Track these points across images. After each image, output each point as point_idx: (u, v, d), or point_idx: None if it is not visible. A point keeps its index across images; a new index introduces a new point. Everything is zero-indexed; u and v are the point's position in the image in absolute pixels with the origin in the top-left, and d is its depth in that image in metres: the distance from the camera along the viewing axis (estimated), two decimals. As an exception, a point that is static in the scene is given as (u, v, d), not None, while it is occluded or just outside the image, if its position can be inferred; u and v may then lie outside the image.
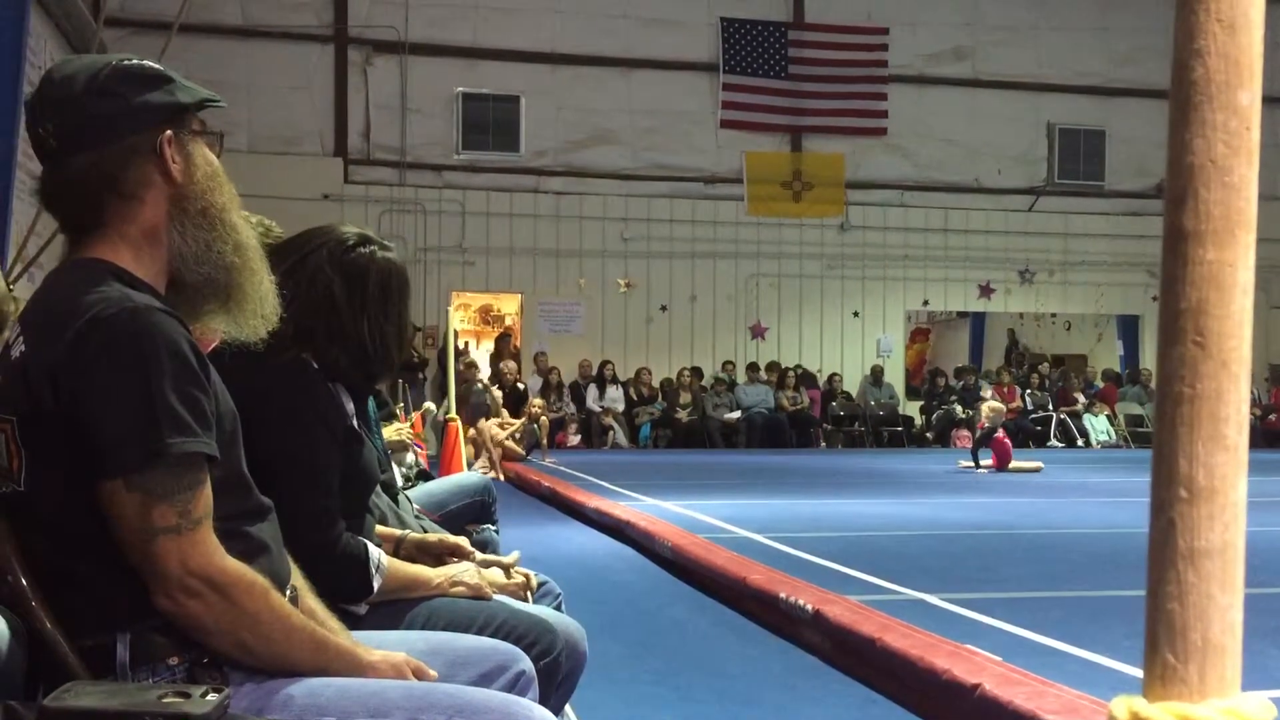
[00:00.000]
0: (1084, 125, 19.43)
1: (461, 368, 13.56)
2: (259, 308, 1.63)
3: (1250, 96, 0.62)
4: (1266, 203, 19.01)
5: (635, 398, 17.63)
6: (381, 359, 2.14)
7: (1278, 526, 7.05)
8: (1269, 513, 7.72)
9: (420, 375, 16.20)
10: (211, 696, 1.20)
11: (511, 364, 15.61)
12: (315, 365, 2.07)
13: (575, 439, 17.03)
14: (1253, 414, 18.22)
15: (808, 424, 18.18)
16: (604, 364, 17.69)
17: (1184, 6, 0.62)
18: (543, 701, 1.78)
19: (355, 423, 2.11)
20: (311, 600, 1.71)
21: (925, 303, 19.70)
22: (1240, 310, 0.61)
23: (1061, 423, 18.69)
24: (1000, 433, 12.40)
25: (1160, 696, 0.61)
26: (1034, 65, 19.35)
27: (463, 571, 2.14)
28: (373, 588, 1.99)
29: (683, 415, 17.48)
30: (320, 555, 1.88)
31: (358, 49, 17.62)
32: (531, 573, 2.40)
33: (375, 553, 2.02)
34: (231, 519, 1.51)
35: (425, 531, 2.50)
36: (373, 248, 2.17)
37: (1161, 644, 0.61)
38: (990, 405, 12.93)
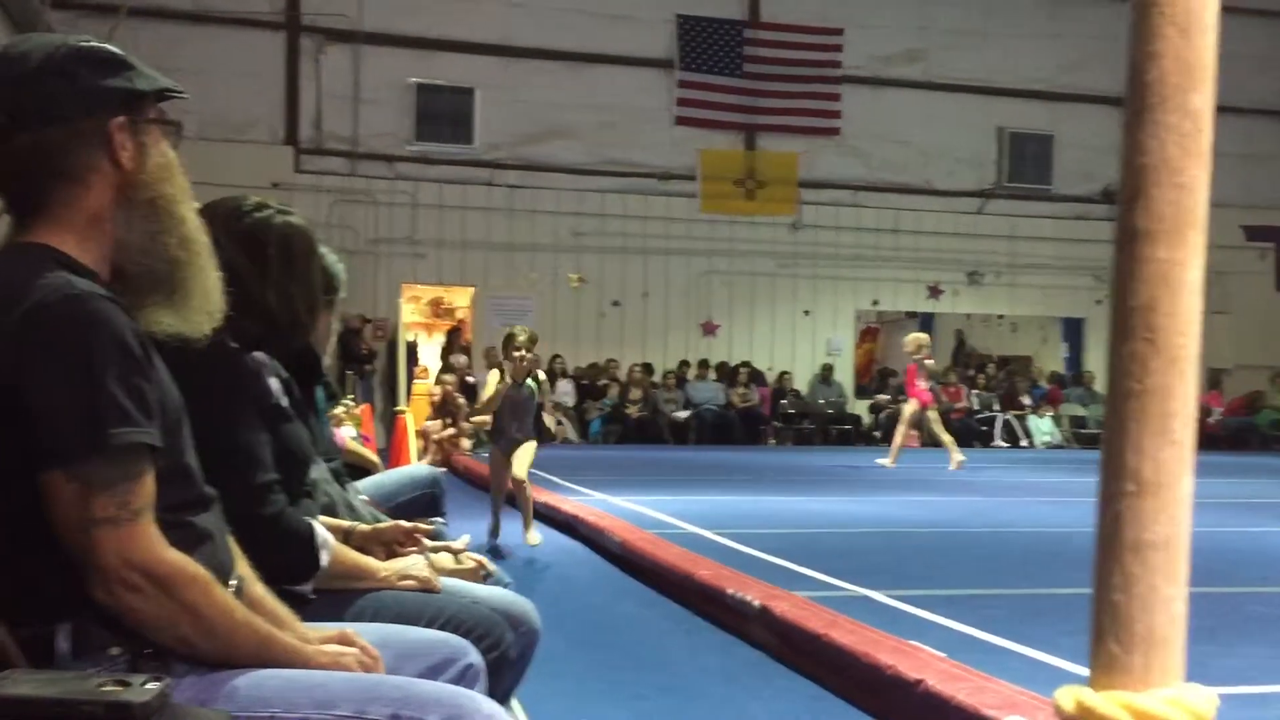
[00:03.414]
0: (1033, 130, 19.67)
1: (449, 388, 13.69)
2: (204, 303, 1.61)
3: (1203, 99, 0.62)
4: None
5: (589, 386, 17.63)
6: (291, 323, 2.12)
7: (1219, 527, 7.19)
8: (1209, 513, 7.87)
9: (369, 367, 16.05)
10: (151, 686, 1.18)
11: (462, 358, 15.51)
12: (233, 344, 2.04)
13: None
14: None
15: (757, 421, 18.27)
16: (554, 358, 17.65)
17: (1140, 10, 0.62)
18: (491, 694, 1.78)
19: (284, 402, 2.09)
20: (259, 590, 1.68)
21: (875, 302, 19.85)
22: (1190, 309, 0.62)
23: (1007, 423, 18.93)
24: (921, 379, 12.38)
25: (1105, 686, 0.62)
26: (985, 70, 19.55)
27: (412, 565, 2.13)
28: (319, 563, 1.98)
29: (633, 411, 17.49)
30: (262, 532, 1.86)
31: (310, 37, 17.42)
32: (483, 558, 2.40)
33: (320, 530, 2.00)
34: (174, 509, 1.49)
35: (376, 522, 2.48)
36: (269, 211, 2.15)
37: (1107, 634, 0.62)
38: (914, 337, 12.83)
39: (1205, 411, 19.31)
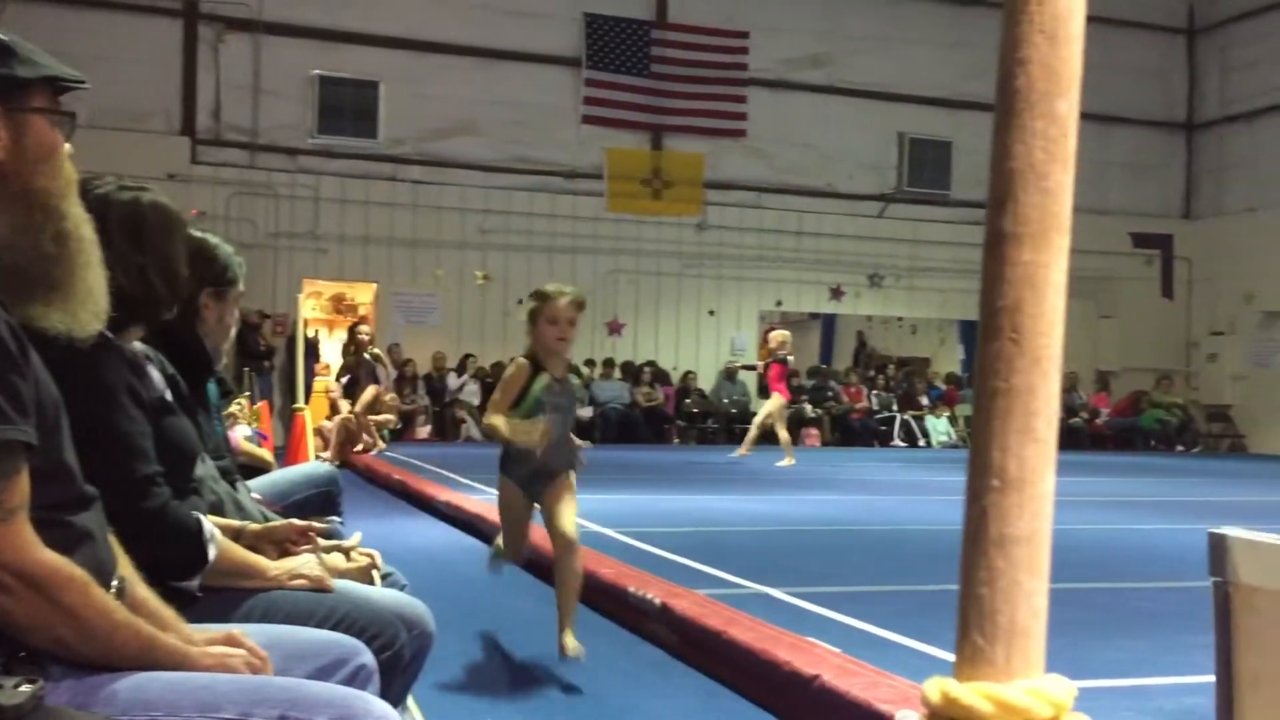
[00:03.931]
0: (932, 136, 20.09)
1: (365, 338, 13.22)
2: (87, 301, 1.55)
3: (1068, 105, 0.64)
4: (1096, 216, 20.07)
5: (494, 384, 17.55)
6: (146, 298, 2.05)
7: (1105, 524, 7.43)
8: (1095, 511, 8.13)
9: (267, 364, 15.73)
10: (25, 688, 1.14)
11: (366, 327, 14.90)
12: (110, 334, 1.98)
13: (424, 431, 16.84)
14: (1080, 417, 19.26)
15: (662, 420, 18.36)
16: (467, 357, 17.64)
17: (1009, 17, 0.64)
18: (385, 694, 1.76)
19: (168, 396, 2.04)
20: (142, 591, 1.64)
21: (779, 303, 20.09)
22: (1053, 309, 0.64)
23: (905, 423, 19.33)
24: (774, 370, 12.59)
25: (970, 677, 0.63)
26: (887, 75, 19.91)
27: (303, 564, 2.09)
28: (207, 557, 1.94)
29: (538, 409, 17.44)
30: (146, 525, 1.81)
31: (209, 25, 17.02)
32: (376, 553, 2.37)
33: (207, 524, 1.97)
34: (52, 508, 1.45)
35: (267, 521, 2.44)
36: (111, 186, 2.09)
37: (972, 627, 0.63)
38: (777, 334, 13.08)
39: (1093, 413, 19.95)
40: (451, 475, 9.64)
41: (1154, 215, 21.59)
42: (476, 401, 17.43)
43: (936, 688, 0.64)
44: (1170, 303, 21.59)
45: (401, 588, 2.46)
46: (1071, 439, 18.49)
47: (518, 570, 5.60)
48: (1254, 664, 1.00)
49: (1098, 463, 15.18)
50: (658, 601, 4.01)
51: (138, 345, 2.07)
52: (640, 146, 19.07)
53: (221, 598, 1.98)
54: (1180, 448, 19.54)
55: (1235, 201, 21.08)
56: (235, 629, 1.67)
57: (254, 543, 2.20)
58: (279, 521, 2.33)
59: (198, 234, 2.65)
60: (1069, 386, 19.47)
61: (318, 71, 17.29)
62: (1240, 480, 12.96)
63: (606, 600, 4.51)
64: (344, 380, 13.42)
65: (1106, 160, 20.37)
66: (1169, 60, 21.79)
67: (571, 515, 3.70)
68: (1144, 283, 21.41)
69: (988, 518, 0.64)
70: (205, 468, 2.30)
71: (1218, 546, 1.05)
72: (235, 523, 2.27)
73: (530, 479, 3.72)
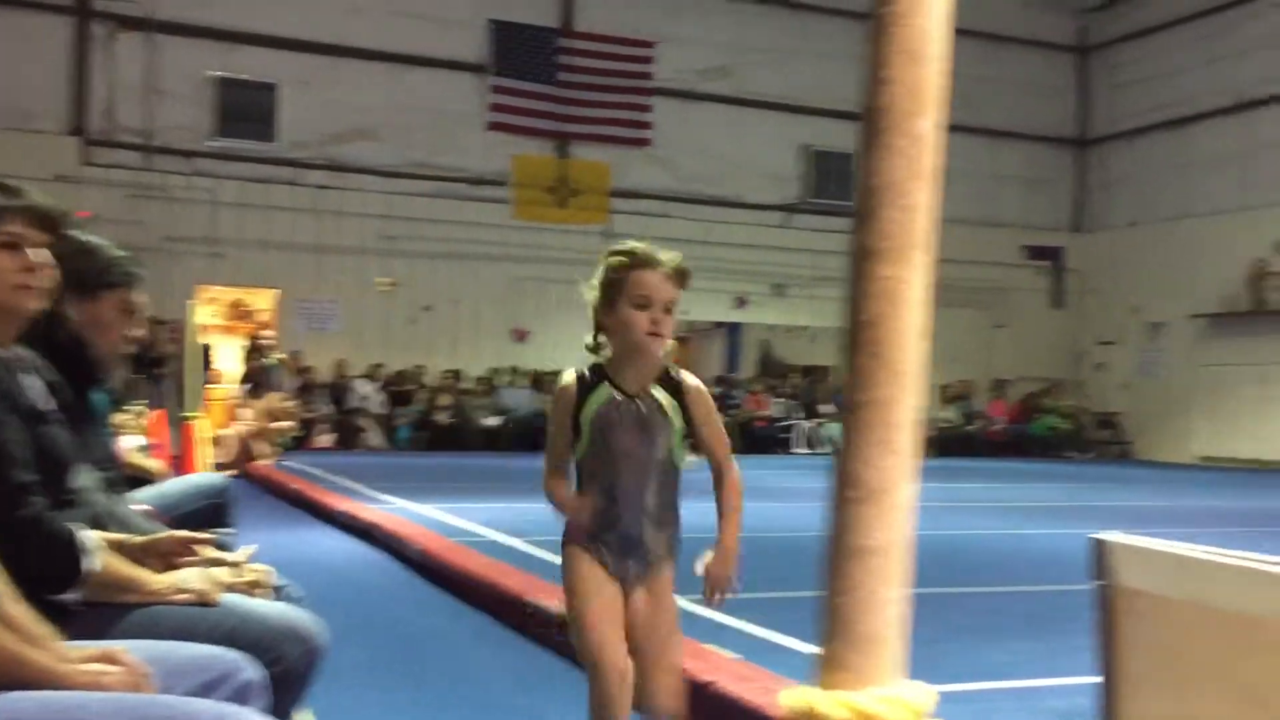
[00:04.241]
0: (836, 148, 20.39)
1: (267, 344, 12.95)
2: None
3: (930, 124, 0.66)
4: (990, 228, 20.61)
5: (397, 392, 17.36)
6: None
7: (991, 530, 7.60)
8: (981, 517, 8.32)
9: (160, 371, 15.31)
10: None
11: (269, 332, 14.59)
12: None
13: (325, 439, 16.55)
14: (978, 424, 19.71)
15: (568, 428, 18.33)
16: (377, 366, 17.45)
17: (873, 37, 0.65)
18: (275, 710, 1.72)
19: (44, 404, 1.98)
20: (12, 608, 1.58)
21: (685, 312, 19.96)
22: (913, 325, 0.65)
23: (807, 430, 19.59)
24: None
25: (830, 685, 0.64)
26: (792, 88, 20.17)
27: (188, 577, 2.04)
28: (79, 569, 1.88)
29: (442, 417, 17.28)
30: (19, 534, 1.76)
31: (101, 23, 16.54)
32: (267, 568, 2.31)
33: (84, 536, 1.90)
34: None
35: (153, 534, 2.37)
36: None
37: (831, 635, 0.64)
38: None
39: (988, 420, 20.45)
40: (351, 485, 9.50)
41: (1045, 228, 22.21)
42: (383, 410, 17.24)
43: (796, 696, 0.65)
44: (1061, 313, 22.23)
45: (297, 600, 2.41)
46: (967, 445, 18.91)
47: (419, 582, 5.53)
48: (1135, 665, 1.03)
49: (992, 468, 15.56)
50: (558, 611, 4.00)
51: (17, 349, 2.00)
52: (546, 154, 19.02)
53: (102, 613, 1.93)
54: (1074, 453, 20.11)
55: (1120, 216, 21.80)
56: (116, 645, 1.62)
57: (137, 556, 2.14)
58: (162, 533, 2.27)
59: (75, 235, 2.57)
60: (963, 394, 19.93)
61: (214, 73, 16.91)
62: (1126, 485, 13.40)
63: (509, 610, 4.48)
64: (246, 387, 13.15)
65: (999, 174, 20.93)
66: (1061, 77, 22.44)
67: (678, 664, 2.42)
68: (1036, 293, 22.02)
69: (846, 528, 0.65)
70: (86, 478, 2.23)
71: (1100, 551, 1.07)
72: (118, 535, 2.20)
73: (619, 551, 2.43)
